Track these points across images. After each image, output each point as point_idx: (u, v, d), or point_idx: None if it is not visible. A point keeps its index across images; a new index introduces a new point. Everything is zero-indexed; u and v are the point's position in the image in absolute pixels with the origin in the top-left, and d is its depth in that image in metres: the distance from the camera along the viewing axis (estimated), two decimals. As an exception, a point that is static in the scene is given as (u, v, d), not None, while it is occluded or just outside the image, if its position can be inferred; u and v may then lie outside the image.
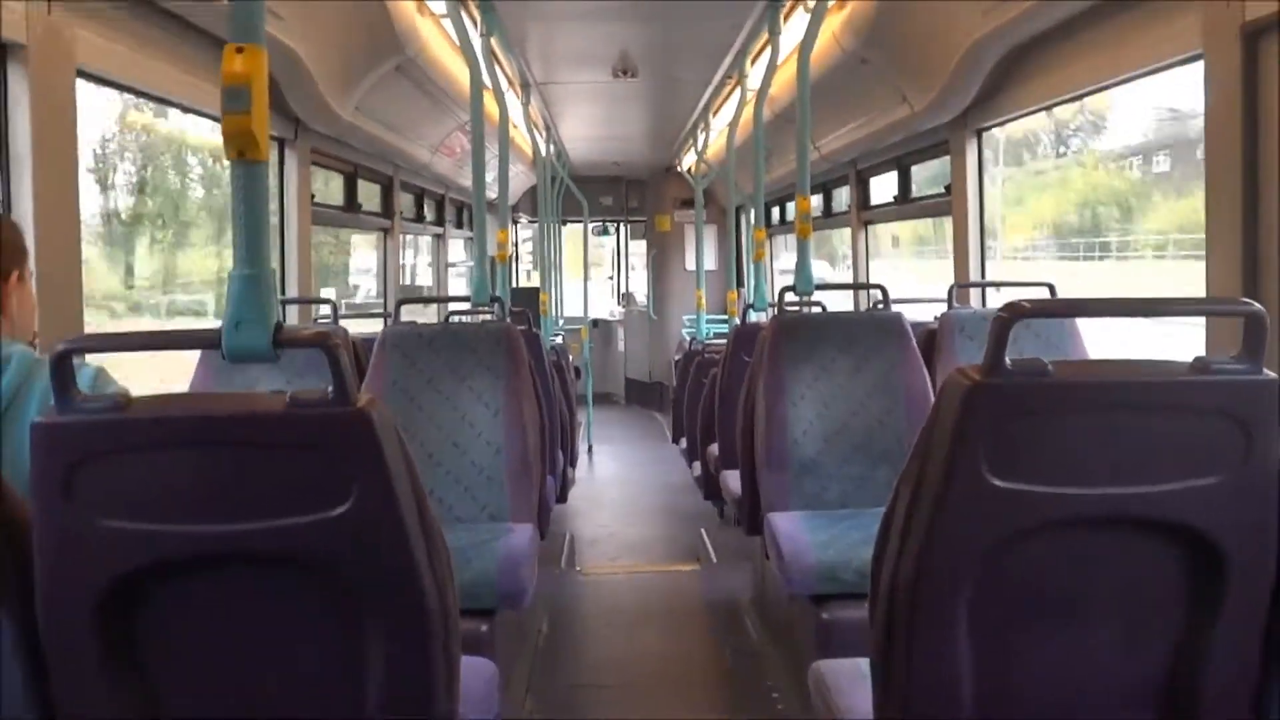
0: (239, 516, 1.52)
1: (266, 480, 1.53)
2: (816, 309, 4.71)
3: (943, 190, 5.32)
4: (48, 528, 1.49)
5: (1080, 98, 4.15)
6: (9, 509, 1.50)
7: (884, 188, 6.59)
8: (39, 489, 1.48)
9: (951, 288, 4.61)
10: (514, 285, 11.92)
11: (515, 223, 12.88)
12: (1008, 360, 1.56)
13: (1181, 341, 3.18)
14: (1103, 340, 4.26)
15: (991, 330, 1.56)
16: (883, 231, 7.37)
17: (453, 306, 5.96)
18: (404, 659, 1.61)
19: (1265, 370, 1.56)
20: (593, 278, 13.66)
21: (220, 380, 3.65)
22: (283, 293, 4.94)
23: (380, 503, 1.53)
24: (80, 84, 2.96)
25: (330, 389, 1.51)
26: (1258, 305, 1.58)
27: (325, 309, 4.68)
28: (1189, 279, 3.17)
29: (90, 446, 1.49)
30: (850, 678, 2.17)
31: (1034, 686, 1.71)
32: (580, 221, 12.49)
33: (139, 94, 3.53)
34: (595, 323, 13.24)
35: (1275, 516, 1.59)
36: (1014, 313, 1.58)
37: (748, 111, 6.28)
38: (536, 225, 10.02)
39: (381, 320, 5.95)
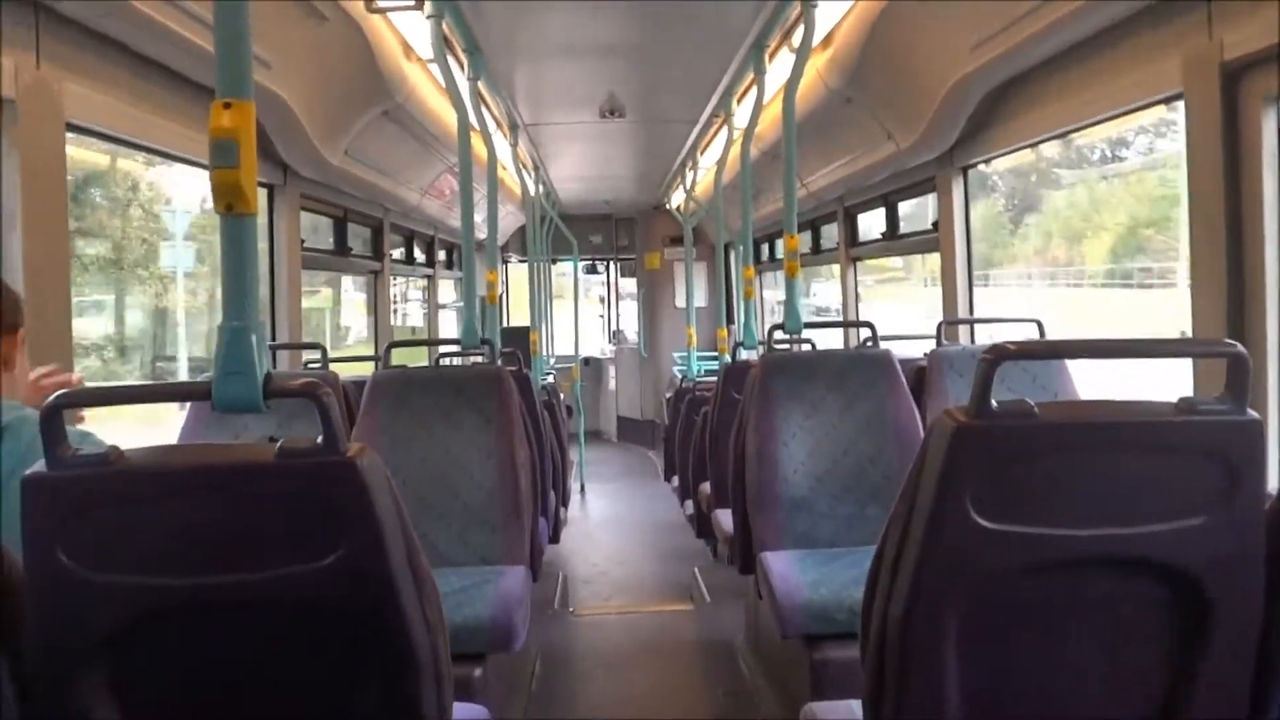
0: (230, 568, 1.52)
1: (257, 530, 1.53)
2: (806, 346, 4.72)
3: (930, 227, 5.35)
4: (40, 582, 1.49)
5: (1064, 135, 4.19)
6: (2, 562, 1.49)
7: (873, 223, 6.65)
8: (30, 542, 1.48)
9: (940, 324, 4.63)
10: (504, 325, 11.94)
11: (505, 263, 12.91)
12: (994, 402, 1.57)
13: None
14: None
15: (977, 372, 1.57)
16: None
17: (443, 349, 5.95)
18: (396, 707, 1.60)
19: (1249, 411, 1.57)
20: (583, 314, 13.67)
21: (210, 429, 3.64)
22: (273, 338, 4.94)
23: (371, 551, 1.53)
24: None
25: (320, 438, 1.51)
26: (1240, 347, 1.59)
27: (315, 354, 4.68)
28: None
29: (81, 500, 1.49)
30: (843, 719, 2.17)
31: None
32: (570, 260, 12.53)
33: (130, 145, 3.55)
34: (587, 360, 13.24)
35: (1261, 556, 1.60)
36: (998, 354, 1.60)
37: (735, 150, 6.32)
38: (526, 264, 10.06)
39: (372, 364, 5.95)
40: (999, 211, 6.74)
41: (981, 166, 4.98)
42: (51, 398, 1.51)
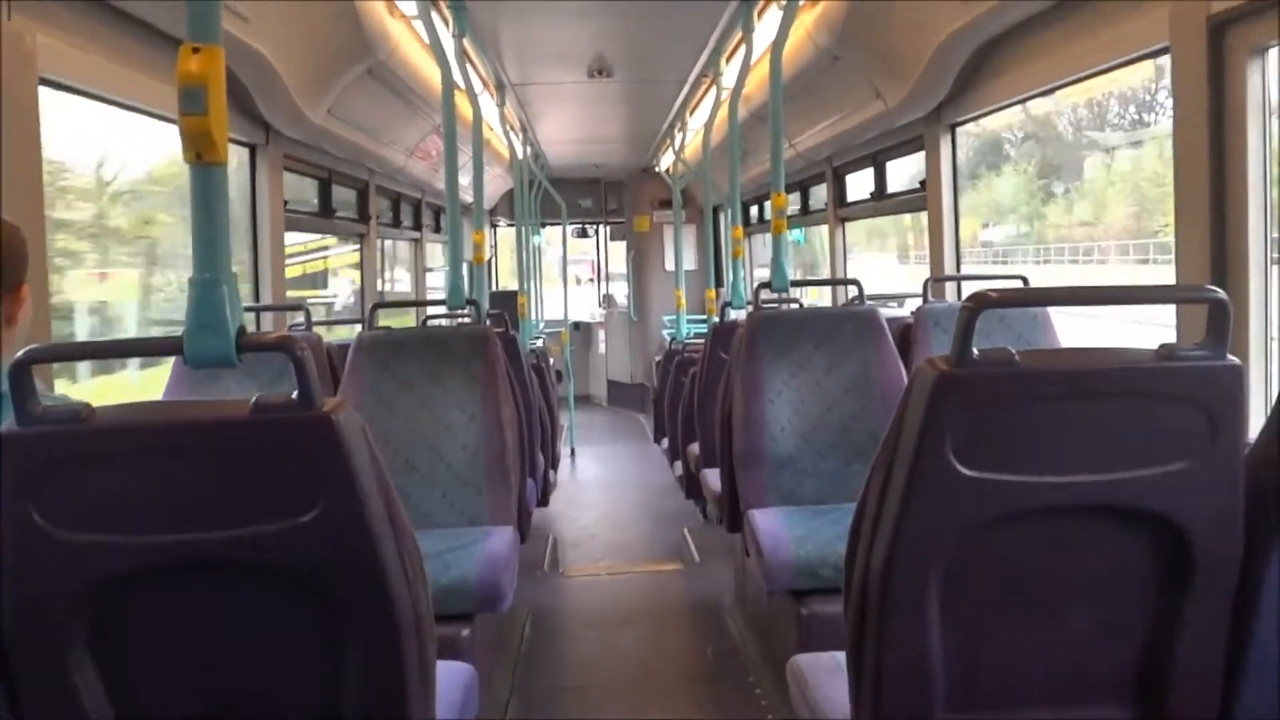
0: (205, 525, 1.51)
1: (232, 488, 1.51)
2: (794, 305, 4.71)
3: (918, 186, 5.33)
4: (11, 540, 1.47)
5: (1052, 91, 4.16)
6: None
7: (862, 184, 6.62)
8: (4, 502, 1.46)
9: (926, 282, 4.62)
10: (494, 289, 11.90)
11: (494, 226, 12.85)
12: (975, 350, 1.56)
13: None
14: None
15: (959, 320, 1.56)
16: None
17: (430, 311, 5.93)
18: (377, 664, 1.60)
19: (1229, 356, 1.57)
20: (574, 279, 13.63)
21: (194, 390, 3.62)
22: (256, 300, 4.90)
23: (348, 508, 1.52)
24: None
25: (295, 394, 1.50)
26: (1220, 292, 1.58)
27: (299, 316, 4.65)
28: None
29: (51, 458, 1.47)
30: (827, 670, 2.17)
31: (1006, 673, 1.71)
32: (559, 224, 12.48)
33: (103, 100, 3.49)
34: (576, 325, 13.22)
35: (1240, 502, 1.60)
36: (979, 303, 1.58)
37: (723, 111, 6.27)
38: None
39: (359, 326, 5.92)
40: (1030, 178, 6.53)
41: (998, 131, 4.93)
42: (20, 353, 1.48)
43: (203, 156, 1.63)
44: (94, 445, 1.49)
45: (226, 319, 1.61)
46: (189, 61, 1.61)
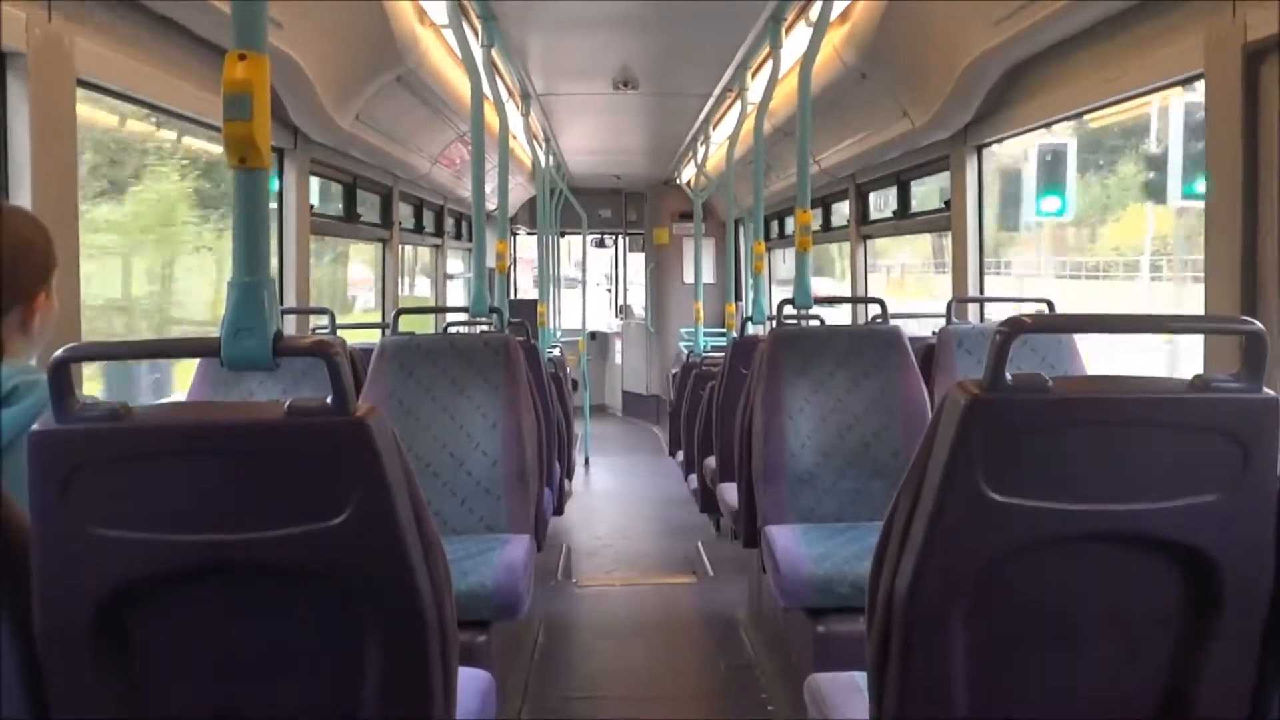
0: (236, 526, 1.52)
1: (264, 489, 1.52)
2: (815, 322, 4.71)
3: (942, 205, 5.32)
4: (45, 536, 1.49)
5: (1080, 115, 4.15)
6: (8, 516, 1.49)
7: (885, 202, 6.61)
8: (36, 497, 1.48)
9: (950, 302, 4.61)
10: (513, 297, 11.92)
11: (514, 235, 12.89)
12: (1008, 375, 1.56)
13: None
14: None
15: (992, 345, 1.56)
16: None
17: (451, 317, 5.95)
18: (401, 668, 1.60)
19: (1265, 389, 1.56)
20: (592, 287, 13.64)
21: (218, 390, 3.64)
22: (281, 303, 4.92)
23: (378, 512, 1.52)
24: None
25: (329, 398, 1.51)
26: (1257, 324, 1.58)
27: (323, 319, 4.67)
28: None
29: (87, 455, 1.48)
30: (846, 691, 2.17)
31: (1029, 701, 1.70)
32: (579, 234, 12.51)
33: (140, 104, 3.53)
34: (593, 335, 13.24)
35: (1272, 535, 1.59)
36: (1015, 328, 1.58)
37: (748, 125, 6.29)
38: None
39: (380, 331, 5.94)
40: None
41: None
42: (58, 351, 1.50)
43: (246, 161, 1.64)
44: (129, 444, 1.50)
45: (266, 322, 1.62)
46: (235, 68, 1.62)
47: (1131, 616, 1.68)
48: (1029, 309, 4.57)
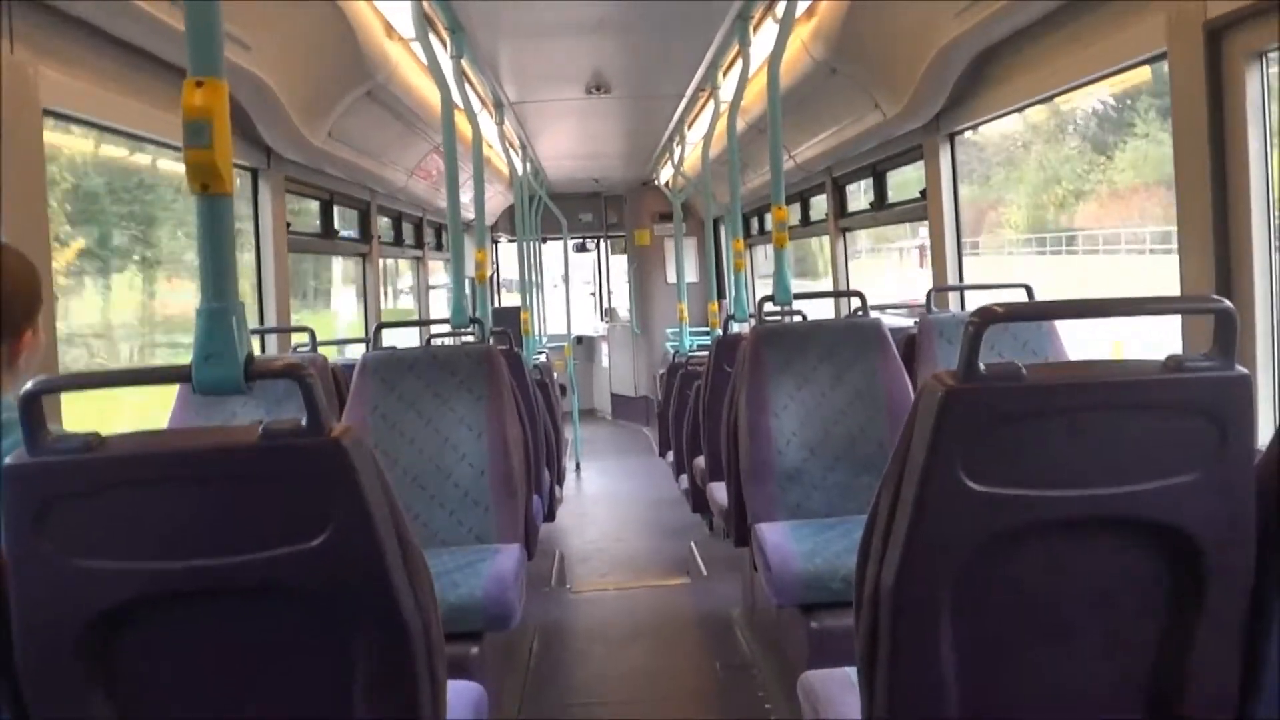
0: (215, 551, 1.51)
1: (242, 514, 1.52)
2: (797, 318, 4.71)
3: (918, 195, 5.34)
4: (22, 567, 1.48)
5: (1050, 99, 4.17)
6: None
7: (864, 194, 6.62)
8: (11, 529, 1.47)
9: (930, 292, 4.62)
10: (495, 305, 11.91)
11: (495, 243, 12.88)
12: (982, 365, 1.56)
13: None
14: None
15: (964, 335, 1.56)
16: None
17: (434, 329, 5.95)
18: (388, 686, 1.60)
19: (1237, 366, 1.57)
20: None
21: (200, 413, 3.63)
22: (261, 322, 4.91)
23: (358, 532, 1.52)
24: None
25: (304, 420, 1.50)
26: (1227, 302, 1.58)
27: (304, 337, 4.66)
28: None
29: (61, 487, 1.48)
30: (840, 686, 2.17)
31: (1019, 689, 1.70)
32: (560, 239, 12.50)
33: (108, 130, 3.51)
34: (579, 339, 13.22)
35: (1251, 512, 1.60)
36: (985, 317, 1.59)
37: (722, 124, 6.29)
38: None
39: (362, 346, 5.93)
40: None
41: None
42: (29, 384, 1.49)
43: (209, 188, 1.64)
44: (103, 474, 1.49)
45: (235, 347, 1.62)
46: (193, 95, 1.62)
47: (1117, 600, 1.68)
48: (1009, 295, 4.58)
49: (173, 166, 4.36)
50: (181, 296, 4.82)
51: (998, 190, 5.96)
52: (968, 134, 5.02)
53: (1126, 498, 1.59)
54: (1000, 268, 6.13)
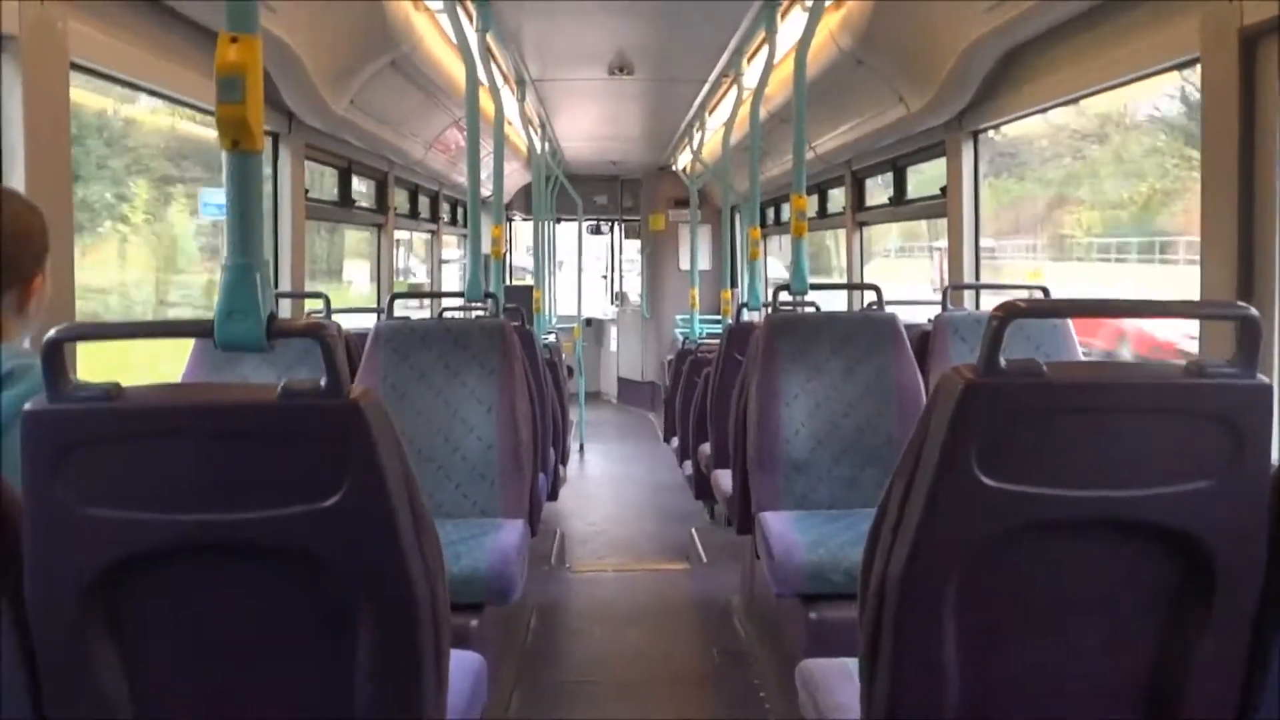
0: (229, 507, 1.52)
1: (257, 471, 1.52)
2: (810, 309, 4.70)
3: (938, 192, 5.32)
4: (37, 514, 1.49)
5: (1077, 100, 4.15)
6: (2, 495, 1.49)
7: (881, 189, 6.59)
8: (29, 475, 1.48)
9: (945, 289, 4.61)
10: (508, 283, 11.91)
11: (510, 220, 12.87)
12: (1002, 360, 1.56)
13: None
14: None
15: (986, 330, 1.56)
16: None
17: (446, 302, 5.95)
18: (393, 650, 1.60)
19: (1259, 375, 1.56)
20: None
21: (213, 373, 3.63)
22: (275, 287, 4.92)
23: (371, 495, 1.53)
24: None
25: (323, 380, 1.51)
26: (1251, 309, 1.57)
27: (318, 303, 4.66)
28: None
29: (80, 434, 1.48)
30: (838, 677, 2.17)
31: (1020, 687, 1.71)
32: (574, 220, 12.48)
33: (133, 87, 3.51)
34: (589, 321, 13.23)
35: (1265, 521, 1.59)
36: (1009, 312, 1.58)
37: (743, 111, 6.27)
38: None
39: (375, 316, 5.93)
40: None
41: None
42: (51, 331, 1.50)
43: (239, 144, 1.64)
44: (121, 424, 1.50)
45: (259, 304, 1.62)
46: (227, 51, 1.62)
47: (1123, 602, 1.68)
48: (1024, 295, 4.57)
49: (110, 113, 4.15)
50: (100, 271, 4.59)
51: (1057, 188, 5.73)
52: (1003, 129, 4.98)
53: (1140, 501, 1.59)
54: (1071, 276, 5.67)
